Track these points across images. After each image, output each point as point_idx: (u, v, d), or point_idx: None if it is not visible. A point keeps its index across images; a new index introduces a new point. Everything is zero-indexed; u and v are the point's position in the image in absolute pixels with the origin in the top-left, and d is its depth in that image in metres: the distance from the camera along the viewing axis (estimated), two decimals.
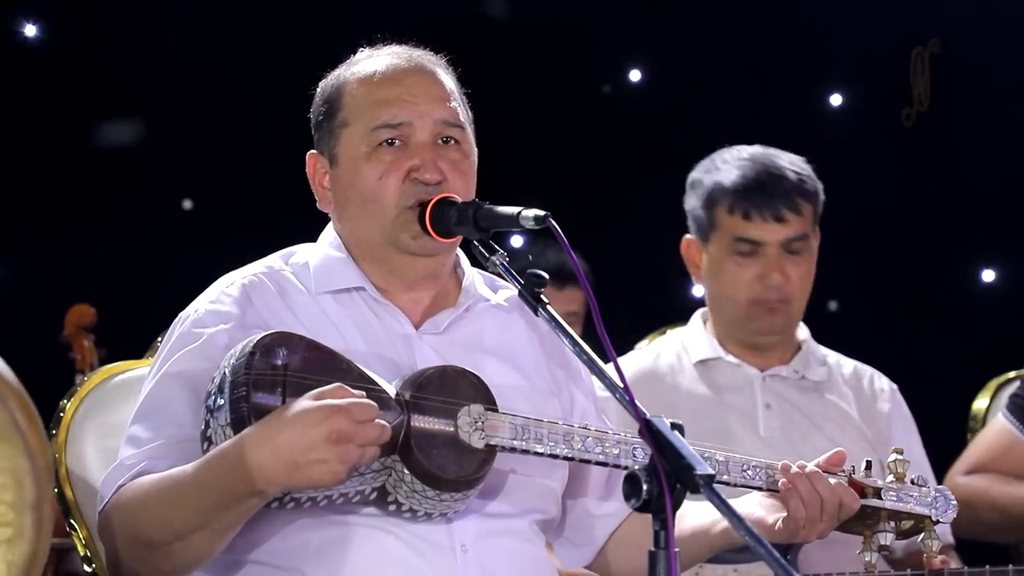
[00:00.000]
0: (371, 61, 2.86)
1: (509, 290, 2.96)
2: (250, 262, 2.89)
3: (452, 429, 2.61)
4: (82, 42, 6.18)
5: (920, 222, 6.43)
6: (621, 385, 2.41)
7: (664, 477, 2.24)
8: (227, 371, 2.54)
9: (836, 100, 6.65)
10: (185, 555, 2.56)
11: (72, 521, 3.00)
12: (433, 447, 2.59)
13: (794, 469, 2.78)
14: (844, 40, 6.35)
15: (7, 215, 6.16)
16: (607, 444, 2.70)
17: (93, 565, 2.96)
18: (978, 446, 4.21)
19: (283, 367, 2.52)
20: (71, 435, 3.05)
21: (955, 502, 2.93)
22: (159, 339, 3.09)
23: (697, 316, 3.99)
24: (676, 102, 6.52)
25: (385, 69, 2.83)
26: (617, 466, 2.71)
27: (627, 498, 2.27)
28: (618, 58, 6.72)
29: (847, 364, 3.99)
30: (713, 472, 2.27)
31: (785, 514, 2.78)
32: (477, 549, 2.72)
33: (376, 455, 2.50)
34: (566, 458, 2.69)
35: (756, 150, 3.84)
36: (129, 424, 2.70)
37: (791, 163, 3.83)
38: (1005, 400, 4.22)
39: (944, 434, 4.17)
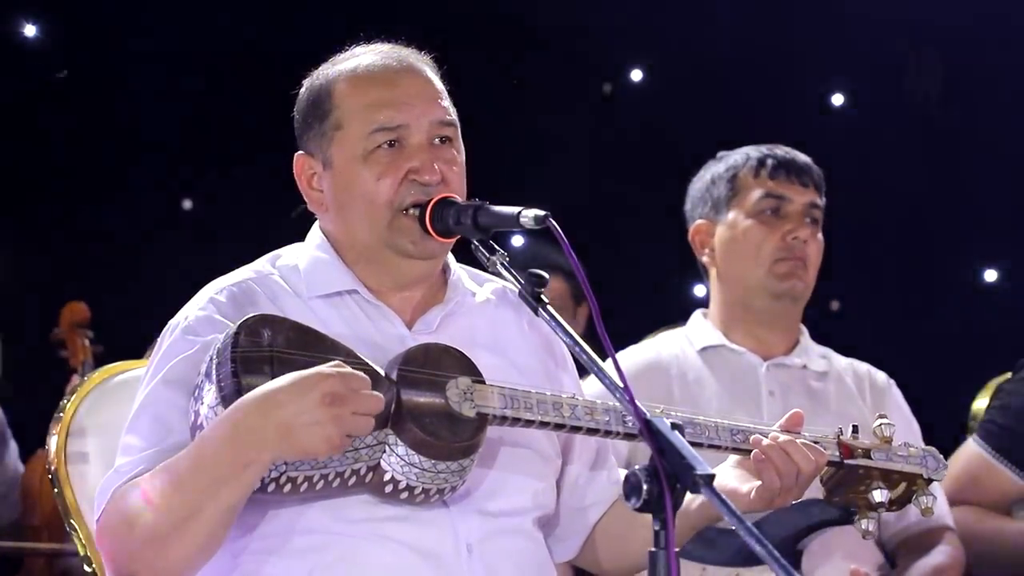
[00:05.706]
0: (359, 60, 2.86)
1: (494, 282, 2.98)
2: (249, 261, 2.89)
3: (442, 400, 2.61)
4: (81, 42, 6.18)
5: (922, 222, 6.43)
6: (621, 385, 2.41)
7: (664, 477, 2.23)
8: (213, 356, 2.54)
9: (838, 100, 6.65)
10: (184, 547, 2.53)
11: (72, 521, 2.99)
12: (425, 417, 2.58)
13: (766, 441, 2.74)
14: (846, 40, 6.35)
15: (5, 215, 6.16)
16: (596, 412, 2.71)
17: (93, 566, 2.95)
18: (951, 472, 4.19)
19: (268, 345, 2.52)
20: (71, 435, 3.04)
21: (944, 461, 2.94)
22: (158, 339, 3.08)
23: (697, 313, 4.05)
24: (677, 102, 6.52)
25: (376, 70, 2.83)
26: (608, 433, 2.71)
27: (627, 498, 2.27)
28: (619, 57, 6.72)
29: (843, 360, 4.04)
30: (714, 472, 2.26)
31: (759, 483, 2.77)
32: (482, 550, 2.72)
33: (371, 427, 2.49)
34: (557, 426, 2.68)
35: None
36: (123, 433, 2.69)
37: None
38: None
39: (944, 434, 4.16)
